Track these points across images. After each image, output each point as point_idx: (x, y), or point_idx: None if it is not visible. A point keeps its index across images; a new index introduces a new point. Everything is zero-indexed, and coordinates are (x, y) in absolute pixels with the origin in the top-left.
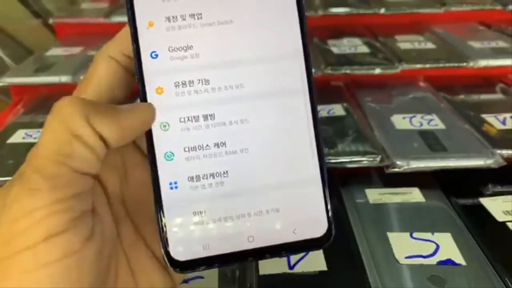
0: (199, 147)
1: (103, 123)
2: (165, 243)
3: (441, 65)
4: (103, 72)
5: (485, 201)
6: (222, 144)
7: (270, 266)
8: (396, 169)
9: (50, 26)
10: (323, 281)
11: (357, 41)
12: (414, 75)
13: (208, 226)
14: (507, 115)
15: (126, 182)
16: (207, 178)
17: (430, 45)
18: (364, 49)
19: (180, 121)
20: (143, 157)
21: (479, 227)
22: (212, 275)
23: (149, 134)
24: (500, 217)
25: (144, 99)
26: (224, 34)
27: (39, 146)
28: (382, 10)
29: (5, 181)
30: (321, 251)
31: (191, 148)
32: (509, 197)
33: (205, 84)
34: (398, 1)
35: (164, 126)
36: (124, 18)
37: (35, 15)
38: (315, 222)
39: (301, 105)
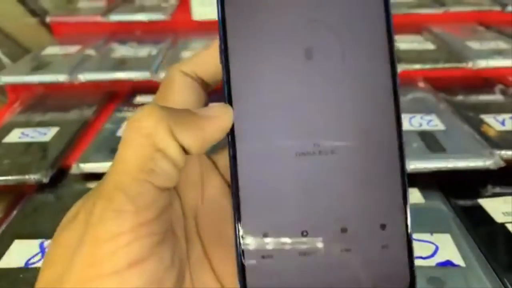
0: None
1: (187, 134)
2: (242, 271)
3: (440, 65)
4: (179, 85)
5: (485, 202)
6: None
7: None
8: None
9: (47, 24)
10: None
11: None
12: (414, 76)
13: (286, 271)
14: (507, 116)
15: (202, 197)
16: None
17: (429, 46)
18: None
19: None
20: (221, 178)
21: (479, 228)
22: None
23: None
24: (499, 218)
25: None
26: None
27: (120, 162)
28: None
29: (2, 180)
30: None
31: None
32: (508, 198)
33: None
34: (397, 1)
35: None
36: (121, 17)
37: (32, 13)
38: (397, 275)
39: (390, 140)
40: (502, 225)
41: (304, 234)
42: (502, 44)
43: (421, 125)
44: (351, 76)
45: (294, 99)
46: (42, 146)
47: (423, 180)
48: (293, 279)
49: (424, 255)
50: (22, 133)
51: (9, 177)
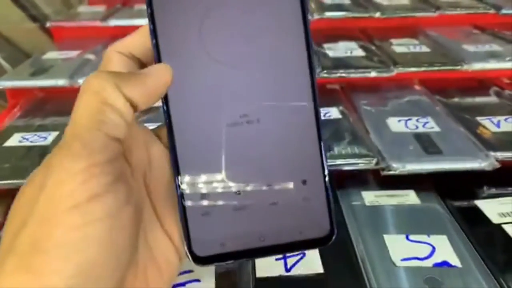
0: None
1: (132, 89)
2: (188, 239)
3: (435, 68)
4: (116, 63)
5: (481, 203)
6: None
7: (266, 269)
8: (392, 172)
9: (47, 29)
10: (319, 284)
11: (352, 44)
12: (409, 78)
13: (224, 225)
14: (502, 118)
15: (150, 167)
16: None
17: (425, 49)
18: (359, 52)
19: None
20: (165, 149)
21: (475, 229)
22: (208, 279)
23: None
24: (495, 219)
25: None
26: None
27: (75, 118)
28: (377, 14)
29: (2, 184)
30: (317, 253)
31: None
32: (504, 199)
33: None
34: (393, 5)
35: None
36: (120, 22)
37: (32, 18)
38: (318, 223)
39: (307, 110)
40: (498, 226)
41: (237, 192)
42: (497, 47)
43: (417, 127)
44: (269, 49)
45: (219, 75)
46: (42, 150)
47: (419, 182)
48: (231, 232)
49: (421, 256)
50: (22, 137)
51: (9, 181)
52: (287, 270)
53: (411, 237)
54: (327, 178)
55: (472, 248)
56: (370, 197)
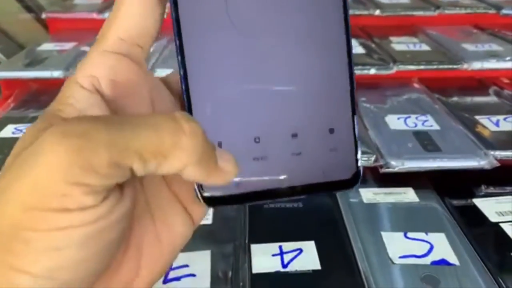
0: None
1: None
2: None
3: (435, 66)
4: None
5: (479, 202)
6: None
7: (263, 265)
8: (390, 169)
9: (42, 21)
10: (316, 280)
11: (352, 42)
12: (409, 76)
13: (241, 167)
14: (501, 117)
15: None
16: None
17: (424, 47)
18: (359, 50)
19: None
20: (172, 98)
21: (473, 228)
22: (204, 274)
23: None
24: (493, 217)
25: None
26: None
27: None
28: (377, 12)
29: None
30: (314, 250)
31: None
32: (502, 198)
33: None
34: (393, 3)
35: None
36: None
37: (27, 9)
38: (343, 165)
39: (338, 48)
40: (496, 224)
41: (256, 140)
42: (496, 47)
43: (416, 125)
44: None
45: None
46: None
47: (418, 180)
48: (247, 173)
49: (419, 254)
50: (16, 129)
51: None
52: (284, 266)
53: (409, 234)
54: (356, 128)
55: (469, 246)
56: (368, 194)
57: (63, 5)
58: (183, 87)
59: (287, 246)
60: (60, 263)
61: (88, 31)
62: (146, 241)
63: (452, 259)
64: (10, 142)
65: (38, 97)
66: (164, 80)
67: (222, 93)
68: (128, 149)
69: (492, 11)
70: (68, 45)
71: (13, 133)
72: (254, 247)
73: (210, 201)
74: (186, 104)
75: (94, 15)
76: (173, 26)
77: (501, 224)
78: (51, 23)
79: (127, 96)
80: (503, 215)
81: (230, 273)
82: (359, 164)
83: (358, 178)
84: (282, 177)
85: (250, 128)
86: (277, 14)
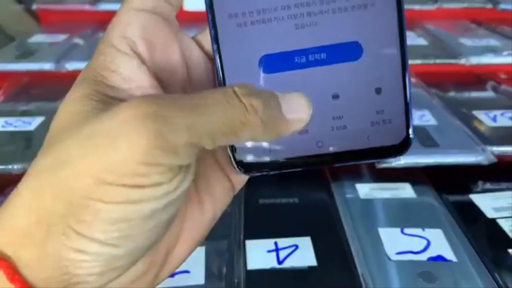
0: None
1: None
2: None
3: (432, 61)
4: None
5: (476, 198)
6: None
7: (258, 261)
8: (387, 164)
9: (33, 12)
10: (312, 277)
11: None
12: None
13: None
14: (498, 112)
15: (189, 84)
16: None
17: (422, 41)
18: None
19: None
20: (205, 56)
21: (470, 224)
22: (198, 271)
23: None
24: (490, 213)
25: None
26: None
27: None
28: None
29: None
30: (310, 246)
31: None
32: (499, 193)
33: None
34: None
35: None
36: (109, 6)
37: (18, 0)
38: (391, 129)
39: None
40: (493, 221)
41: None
42: (494, 42)
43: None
44: None
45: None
46: (27, 136)
47: (415, 175)
48: (285, 150)
49: (415, 250)
50: (6, 122)
51: None
52: (279, 262)
53: (406, 230)
54: (408, 87)
55: (466, 242)
56: (365, 190)
57: None
58: (216, 56)
59: (283, 242)
60: (127, 232)
61: (80, 23)
62: (189, 205)
63: (449, 255)
64: (0, 136)
65: (29, 89)
66: (195, 39)
67: (255, 55)
68: (204, 131)
69: (490, 6)
70: (59, 37)
71: (3, 126)
72: (249, 243)
73: (245, 168)
74: (218, 68)
75: (87, 7)
76: None
77: (498, 220)
78: (42, 14)
79: (163, 56)
80: (500, 211)
81: (224, 270)
82: (411, 129)
83: (408, 145)
84: (321, 142)
85: (285, 90)
86: None
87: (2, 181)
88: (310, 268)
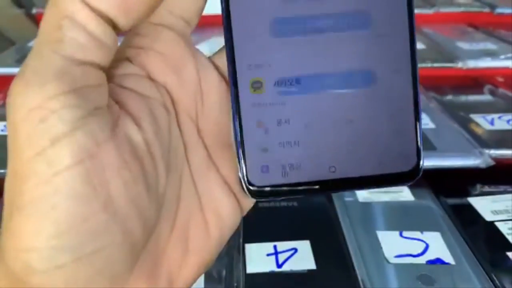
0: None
1: None
2: (243, 166)
3: (429, 65)
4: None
5: (474, 201)
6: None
7: (257, 265)
8: None
9: (33, 16)
10: (311, 280)
11: None
12: None
13: (288, 152)
14: (496, 116)
15: (202, 105)
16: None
17: (419, 45)
18: None
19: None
20: (221, 80)
21: (468, 227)
22: None
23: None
24: (488, 216)
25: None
26: None
27: (37, 38)
28: None
29: None
30: (309, 249)
31: (280, 82)
32: (497, 197)
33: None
34: None
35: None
36: None
37: (17, 4)
38: (402, 155)
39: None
40: (491, 224)
41: (306, 126)
42: (491, 45)
43: None
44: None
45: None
46: None
47: None
48: (296, 175)
49: (414, 253)
50: (5, 126)
51: None
52: (279, 266)
53: (405, 233)
54: (420, 111)
55: (465, 245)
56: (364, 193)
57: None
58: (230, 71)
59: (282, 245)
60: (63, 218)
61: None
62: (193, 224)
63: (448, 258)
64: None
65: None
66: (211, 60)
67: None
68: None
69: (487, 10)
70: None
71: (2, 130)
72: (249, 247)
73: (256, 194)
74: (232, 94)
75: None
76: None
77: (496, 223)
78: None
79: (175, 71)
80: (498, 214)
81: (224, 273)
82: (421, 154)
83: (419, 172)
84: (333, 167)
85: (299, 113)
86: None
87: (0, 186)
88: (309, 271)
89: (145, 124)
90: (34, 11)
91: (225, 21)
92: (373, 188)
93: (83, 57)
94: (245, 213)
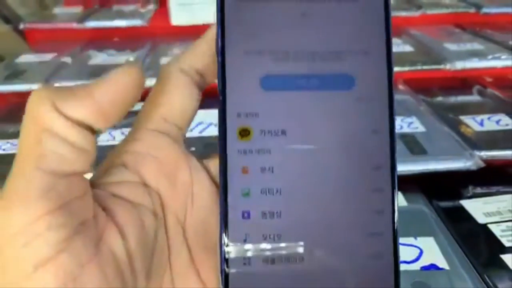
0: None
1: (74, 105)
2: (224, 279)
3: (419, 67)
4: (174, 87)
5: (466, 203)
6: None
7: None
8: None
9: (21, 31)
10: None
11: None
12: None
13: (272, 271)
14: (485, 117)
15: (192, 206)
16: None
17: (408, 48)
18: None
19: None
20: (212, 184)
21: (461, 230)
22: None
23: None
24: (481, 219)
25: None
26: None
27: (17, 153)
28: None
29: None
30: None
31: (267, 191)
32: (489, 198)
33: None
34: None
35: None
36: (97, 23)
37: (4, 20)
38: (378, 277)
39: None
40: (484, 226)
41: (275, 239)
42: (478, 46)
43: (402, 127)
44: None
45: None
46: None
47: (405, 183)
48: (275, 284)
49: (408, 260)
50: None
51: None
52: None
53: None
54: (396, 226)
55: (458, 249)
56: None
57: (42, 15)
58: (221, 189)
59: None
60: None
61: (68, 41)
62: None
63: (442, 263)
64: None
65: (18, 111)
66: (203, 164)
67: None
68: None
69: (473, 10)
70: (48, 56)
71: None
72: None
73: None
74: (221, 204)
75: (74, 25)
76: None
77: (489, 225)
78: (30, 33)
79: (169, 176)
80: (490, 216)
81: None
82: (399, 279)
83: None
84: (308, 284)
85: (271, 227)
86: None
87: None
88: None
89: (130, 233)
90: (21, 26)
91: (220, 71)
92: None
93: (67, 169)
94: None
